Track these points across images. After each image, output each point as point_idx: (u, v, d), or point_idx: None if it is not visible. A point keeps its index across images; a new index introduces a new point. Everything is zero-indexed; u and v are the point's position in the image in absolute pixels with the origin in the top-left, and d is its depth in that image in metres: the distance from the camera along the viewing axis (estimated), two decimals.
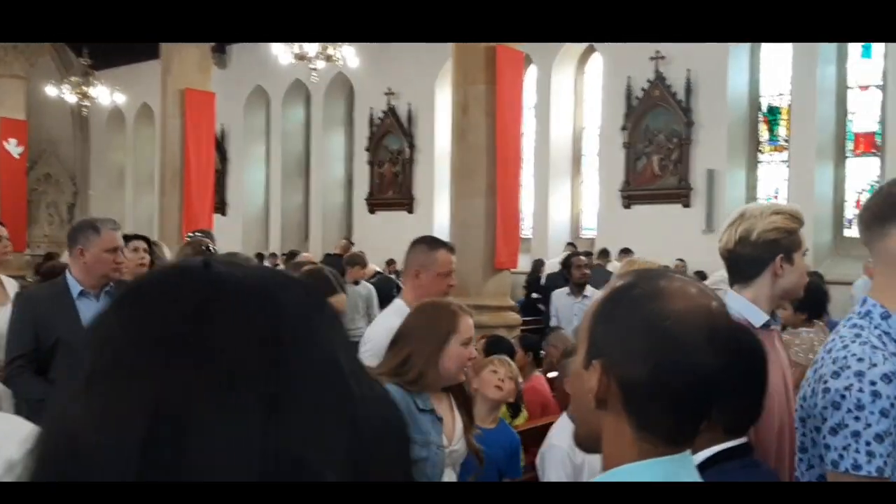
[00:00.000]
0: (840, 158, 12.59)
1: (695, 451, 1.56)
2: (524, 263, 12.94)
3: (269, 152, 19.16)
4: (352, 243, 13.38)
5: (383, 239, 15.49)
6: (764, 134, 13.39)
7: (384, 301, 9.96)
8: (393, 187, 16.72)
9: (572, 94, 15.18)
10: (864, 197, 12.39)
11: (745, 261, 2.08)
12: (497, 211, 7.50)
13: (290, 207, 18.79)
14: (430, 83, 15.74)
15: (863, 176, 12.46)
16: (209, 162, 11.81)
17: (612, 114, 14.02)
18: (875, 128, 12.27)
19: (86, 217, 6.83)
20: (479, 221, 7.47)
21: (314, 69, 11.99)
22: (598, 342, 1.05)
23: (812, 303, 3.51)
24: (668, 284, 1.05)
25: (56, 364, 3.30)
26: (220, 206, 17.56)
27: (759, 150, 13.41)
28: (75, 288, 3.50)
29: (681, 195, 13.30)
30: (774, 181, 13.16)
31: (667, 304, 1.02)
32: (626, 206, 13.91)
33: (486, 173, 7.43)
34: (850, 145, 12.58)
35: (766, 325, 2.09)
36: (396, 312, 3.07)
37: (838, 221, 12.62)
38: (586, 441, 1.10)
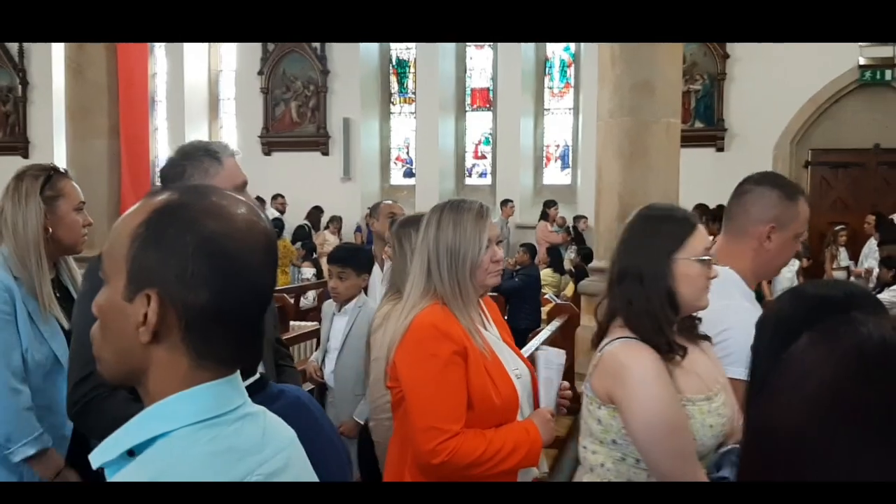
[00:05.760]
0: (461, 112, 13.77)
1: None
2: None
3: None
4: None
5: None
6: (394, 86, 14.14)
7: None
8: (3, 129, 14.81)
9: None
10: (481, 148, 13.84)
11: None
12: (122, 154, 7.01)
13: None
14: None
15: (479, 128, 13.81)
16: None
17: (249, 58, 13.80)
18: (488, 84, 13.61)
19: None
20: (102, 166, 6.94)
21: None
22: (146, 269, 0.94)
23: None
24: (220, 201, 0.98)
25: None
26: None
27: (392, 102, 14.15)
28: None
29: (319, 143, 13.58)
30: (405, 132, 14.01)
31: (224, 223, 0.96)
32: (267, 153, 13.87)
33: (107, 113, 6.89)
34: (468, 100, 13.81)
35: None
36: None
37: (460, 170, 13.86)
38: (122, 380, 0.99)
